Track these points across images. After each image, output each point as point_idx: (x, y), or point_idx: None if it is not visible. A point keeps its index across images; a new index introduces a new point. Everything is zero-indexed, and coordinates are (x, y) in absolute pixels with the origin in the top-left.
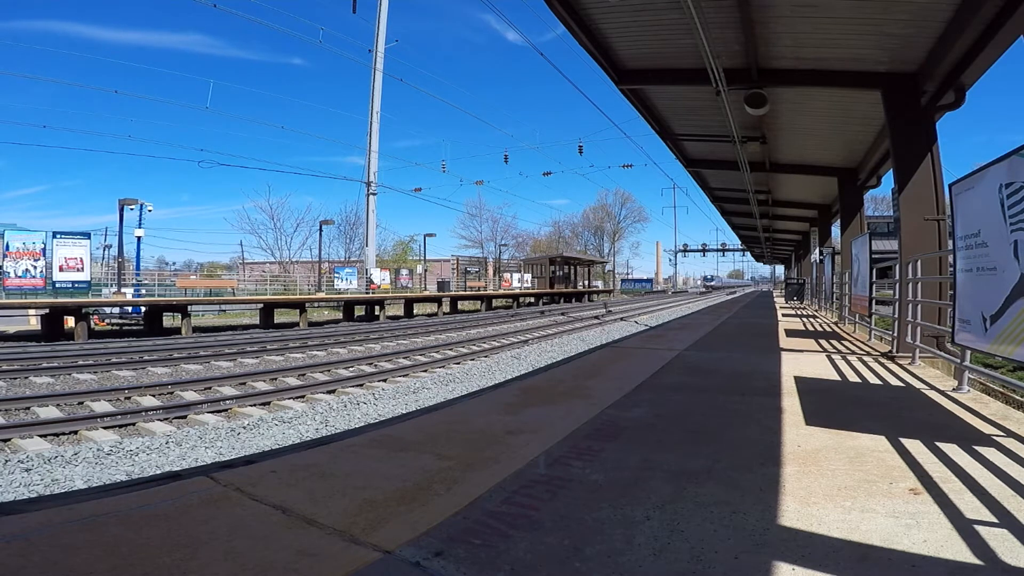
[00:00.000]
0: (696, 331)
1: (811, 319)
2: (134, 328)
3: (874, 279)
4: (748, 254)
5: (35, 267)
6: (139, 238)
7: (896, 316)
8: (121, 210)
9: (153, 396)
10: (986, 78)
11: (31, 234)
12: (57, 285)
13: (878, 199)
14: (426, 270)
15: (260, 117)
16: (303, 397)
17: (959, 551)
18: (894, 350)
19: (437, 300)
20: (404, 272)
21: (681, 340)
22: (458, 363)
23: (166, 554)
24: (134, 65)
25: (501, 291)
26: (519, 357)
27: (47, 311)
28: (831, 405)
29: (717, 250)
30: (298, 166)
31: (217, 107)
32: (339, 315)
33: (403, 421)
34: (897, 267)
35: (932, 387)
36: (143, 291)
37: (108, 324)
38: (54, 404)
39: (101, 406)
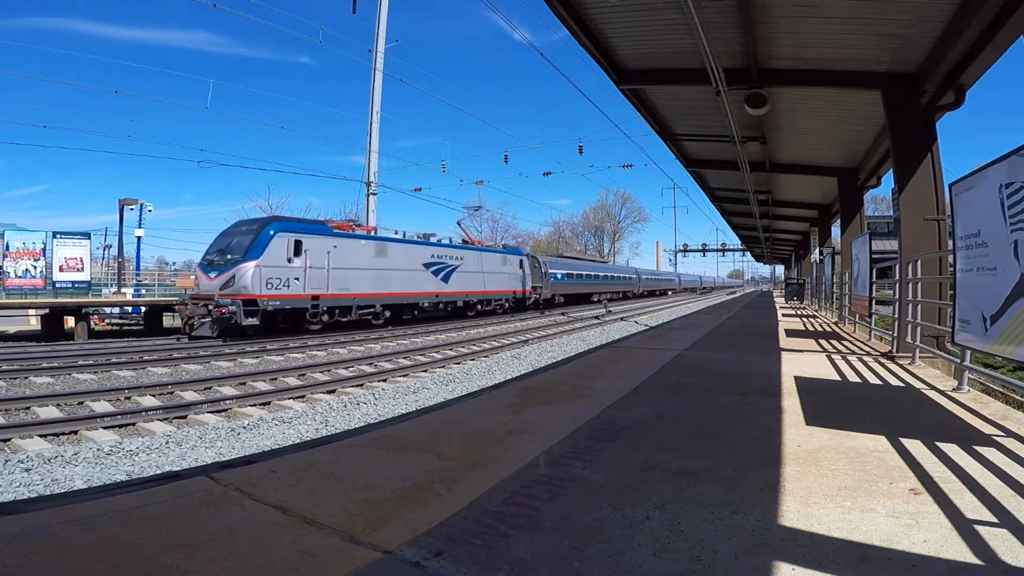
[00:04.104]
0: (696, 331)
1: (811, 319)
2: (134, 328)
3: (874, 279)
4: (748, 254)
5: (35, 267)
6: (139, 238)
7: (896, 316)
8: (121, 210)
9: (153, 396)
10: (986, 78)
11: (31, 234)
12: (57, 285)
13: (878, 199)
14: None
15: (260, 117)
16: (303, 397)
17: (959, 551)
18: (894, 350)
19: None
20: None
21: (681, 340)
22: (458, 363)
23: (166, 554)
24: (134, 65)
25: None
26: (519, 357)
27: (47, 311)
28: (831, 405)
29: (717, 250)
30: (298, 166)
31: (217, 107)
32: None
33: (403, 421)
34: (897, 267)
35: (932, 387)
36: (143, 291)
37: (108, 324)
38: (54, 404)
39: (101, 406)
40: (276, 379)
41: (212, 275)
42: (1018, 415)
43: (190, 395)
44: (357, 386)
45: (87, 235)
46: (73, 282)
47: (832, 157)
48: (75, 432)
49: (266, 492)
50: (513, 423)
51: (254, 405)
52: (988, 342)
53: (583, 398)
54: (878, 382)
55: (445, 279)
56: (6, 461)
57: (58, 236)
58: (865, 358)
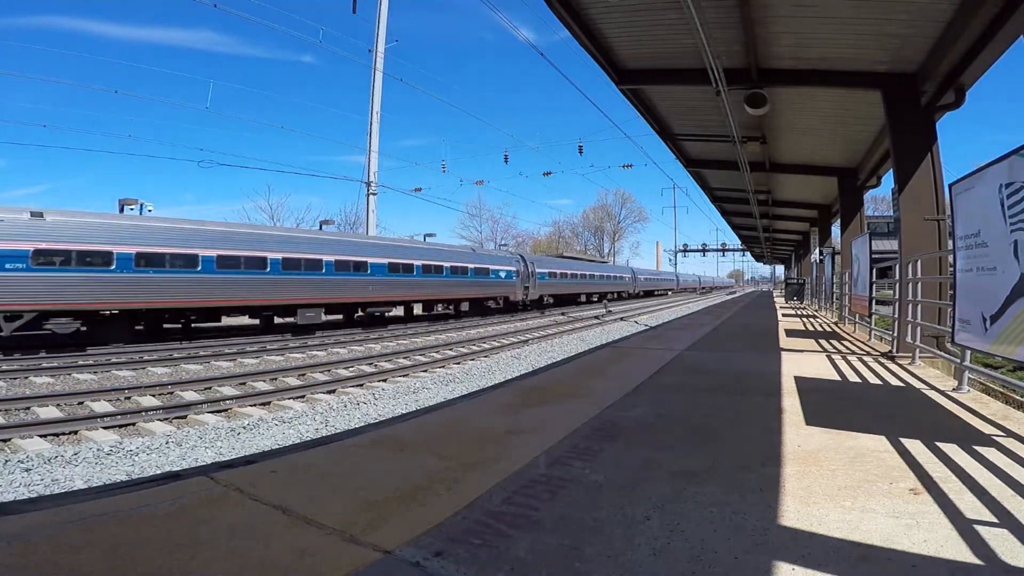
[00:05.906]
0: (696, 331)
1: (811, 319)
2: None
3: (874, 279)
4: (748, 254)
5: None
6: None
7: (896, 316)
8: (121, 210)
9: (153, 396)
10: (986, 78)
11: None
12: None
13: (878, 199)
14: None
15: (260, 117)
16: (303, 397)
17: (959, 551)
18: (894, 350)
19: None
20: None
21: (681, 340)
22: (458, 363)
23: (166, 554)
24: (134, 65)
25: None
26: (519, 357)
27: None
28: (831, 405)
29: (717, 250)
30: (298, 166)
31: (217, 107)
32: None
33: (403, 421)
34: (897, 267)
35: (932, 387)
36: None
37: None
38: (54, 404)
39: (101, 406)
40: (276, 379)
41: None
42: (1018, 415)
43: (190, 395)
44: (357, 386)
45: None
46: None
47: (832, 157)
48: (75, 432)
49: (266, 492)
50: (513, 423)
51: (254, 405)
52: (988, 342)
53: (583, 398)
54: (878, 382)
55: None
56: (6, 461)
57: None
58: (865, 358)
